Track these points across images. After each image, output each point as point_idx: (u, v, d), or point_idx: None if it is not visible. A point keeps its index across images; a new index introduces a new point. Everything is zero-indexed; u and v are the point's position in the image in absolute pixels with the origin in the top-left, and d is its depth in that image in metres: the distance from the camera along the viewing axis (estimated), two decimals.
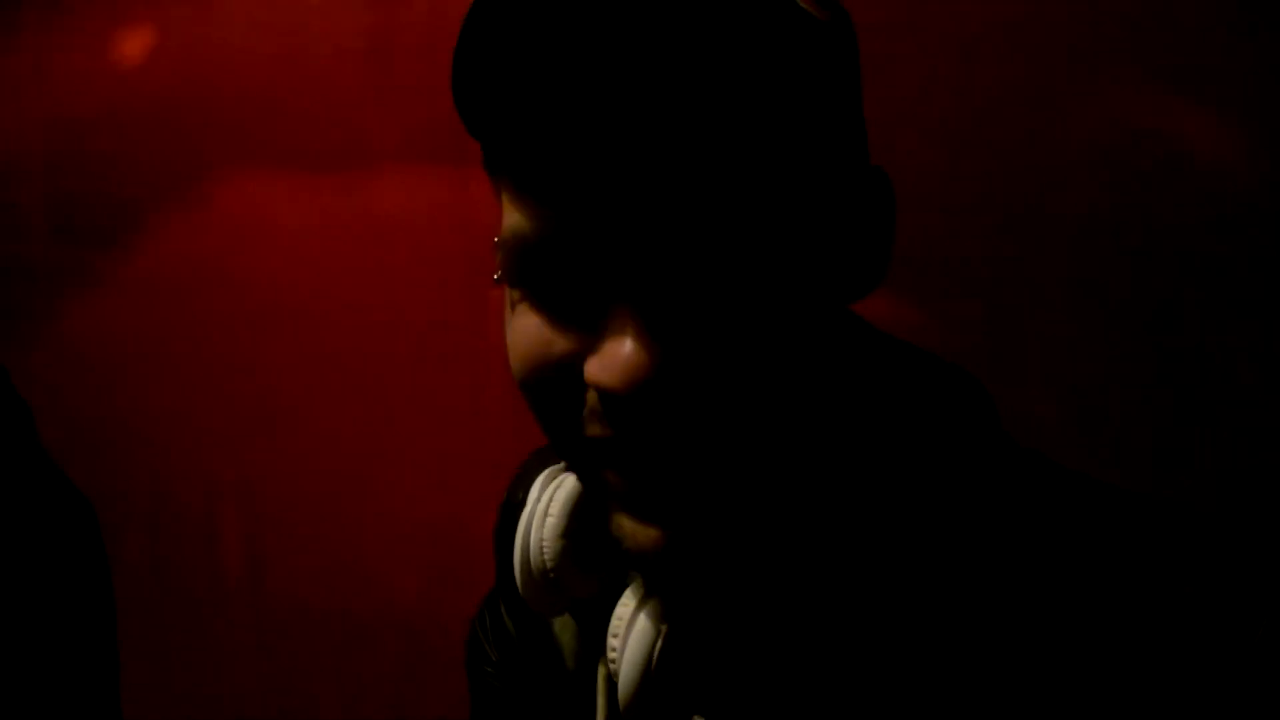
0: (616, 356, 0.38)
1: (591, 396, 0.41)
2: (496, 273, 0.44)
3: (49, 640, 0.69)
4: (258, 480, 1.63)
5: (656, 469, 0.41)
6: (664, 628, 0.46)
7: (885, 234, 0.46)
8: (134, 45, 1.64)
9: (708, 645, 0.46)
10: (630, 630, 0.47)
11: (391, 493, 1.54)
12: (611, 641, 0.47)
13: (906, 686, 0.43)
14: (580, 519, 0.52)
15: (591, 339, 0.40)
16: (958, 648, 0.43)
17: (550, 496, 0.53)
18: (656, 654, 0.46)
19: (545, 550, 0.52)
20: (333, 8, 1.46)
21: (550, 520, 0.52)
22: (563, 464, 0.54)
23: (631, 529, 0.43)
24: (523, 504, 0.55)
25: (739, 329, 0.39)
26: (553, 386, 0.42)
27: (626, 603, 0.48)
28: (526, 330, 0.43)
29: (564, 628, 0.58)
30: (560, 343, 0.41)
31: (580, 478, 0.47)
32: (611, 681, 0.49)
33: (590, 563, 0.52)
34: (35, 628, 0.68)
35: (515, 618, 0.63)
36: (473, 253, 1.43)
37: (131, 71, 1.65)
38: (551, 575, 0.52)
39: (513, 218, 0.42)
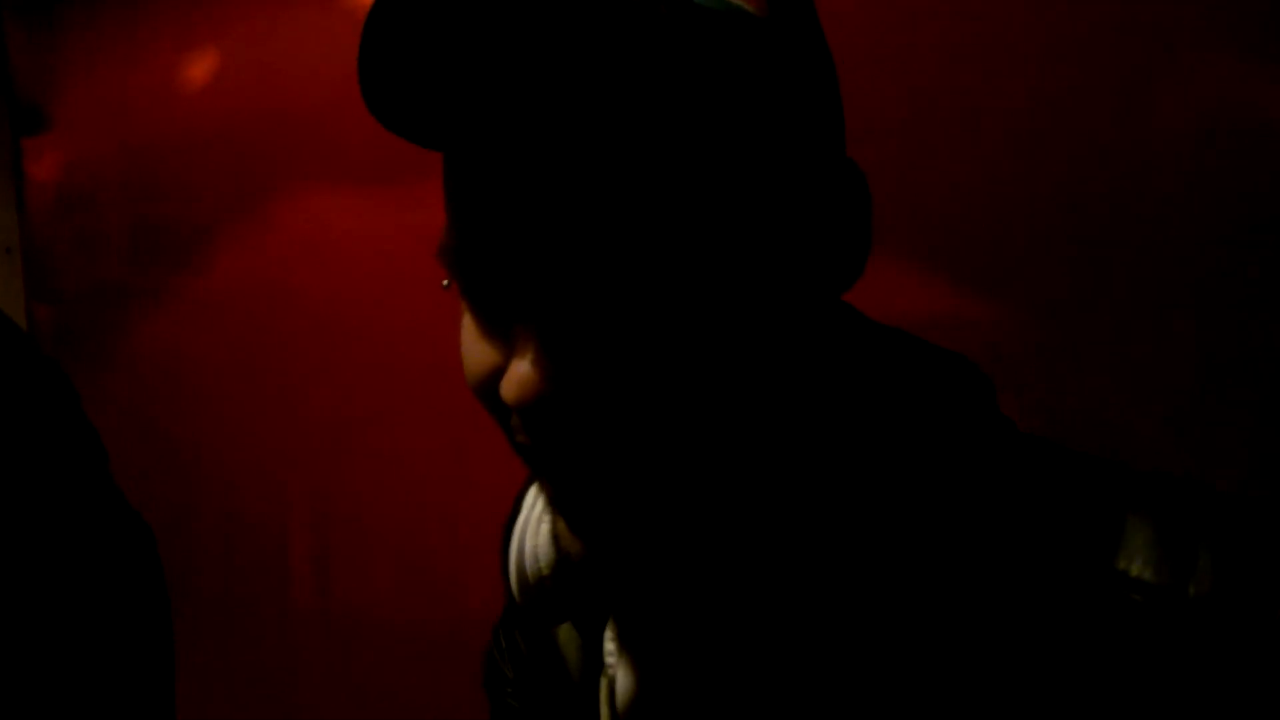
0: (514, 374, 0.39)
1: None
2: (445, 279, 0.44)
3: (106, 664, 0.70)
4: (327, 494, 1.64)
5: (571, 480, 0.41)
6: (659, 636, 0.45)
7: (857, 228, 0.44)
8: (202, 70, 1.68)
9: (703, 655, 0.45)
10: (625, 640, 0.46)
11: (460, 506, 1.54)
12: (608, 646, 0.46)
13: (897, 684, 0.41)
14: None
15: (508, 353, 0.40)
16: (948, 646, 0.41)
17: (544, 503, 0.51)
18: (654, 664, 0.44)
19: (540, 557, 0.50)
20: None
21: (544, 527, 0.51)
22: None
23: (563, 532, 0.43)
24: (518, 513, 0.54)
25: (650, 341, 0.38)
26: (490, 395, 0.42)
27: (621, 612, 0.46)
28: (466, 338, 0.43)
29: (569, 639, 0.57)
30: (489, 355, 0.42)
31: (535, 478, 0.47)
32: (614, 692, 0.48)
33: (586, 568, 0.51)
34: (92, 653, 0.69)
35: (525, 634, 0.63)
36: None
37: (200, 96, 1.68)
38: (548, 583, 0.50)
39: (444, 227, 0.43)
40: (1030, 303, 1.07)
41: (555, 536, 0.50)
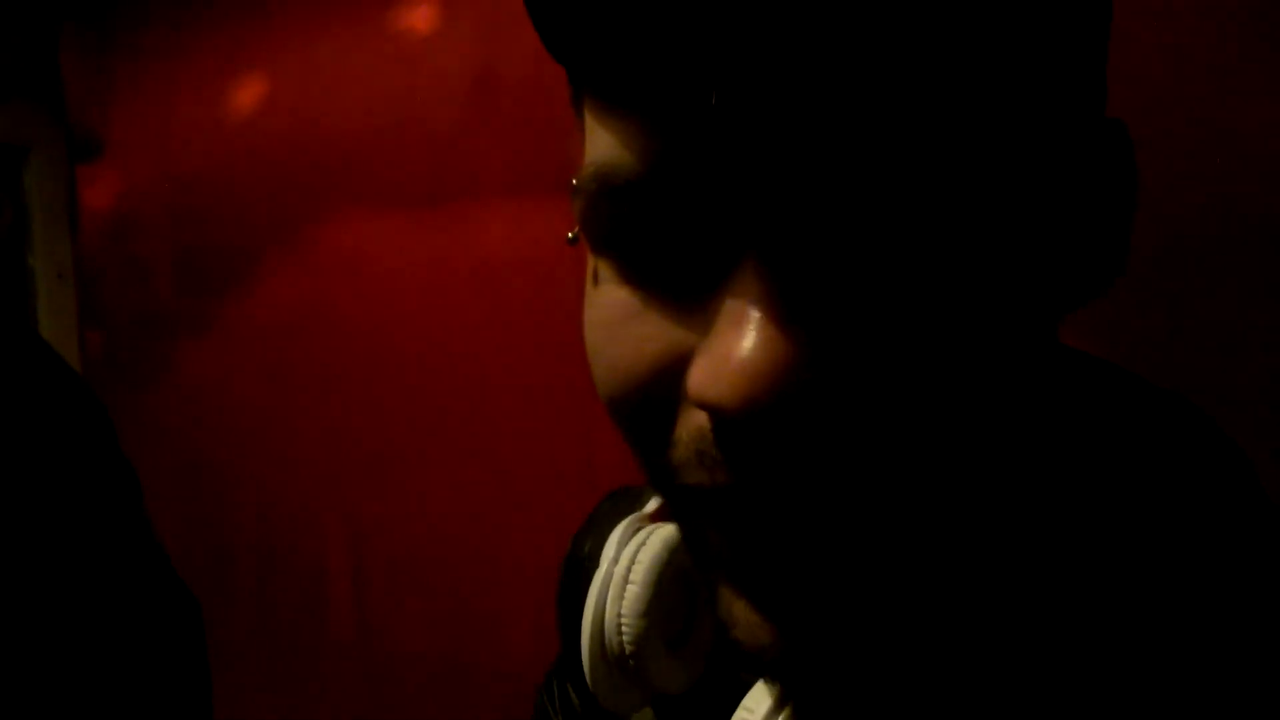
0: (733, 356, 0.25)
1: (691, 422, 0.28)
2: (573, 229, 0.31)
3: None
4: (367, 526, 1.62)
5: (783, 537, 0.28)
6: None
7: (1124, 210, 0.32)
8: (247, 96, 1.68)
9: None
10: None
11: (503, 540, 1.51)
12: None
13: None
14: (672, 590, 0.40)
15: (700, 330, 0.27)
16: None
17: (631, 558, 0.40)
18: None
19: (624, 630, 0.39)
20: (438, 47, 1.46)
21: (632, 590, 0.39)
22: (646, 512, 0.42)
23: (744, 617, 0.30)
24: (591, 561, 0.43)
25: (922, 328, 0.26)
26: (645, 401, 0.29)
27: (752, 709, 0.36)
28: (610, 315, 0.30)
29: (642, 715, 0.47)
30: (657, 335, 0.28)
31: (681, 530, 0.35)
32: None
33: (682, 647, 0.40)
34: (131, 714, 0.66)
35: (581, 695, 0.51)
36: (582, 288, 1.39)
37: (245, 121, 1.69)
38: (631, 663, 0.39)
39: (598, 148, 0.29)
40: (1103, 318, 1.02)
41: (651, 609, 0.39)
